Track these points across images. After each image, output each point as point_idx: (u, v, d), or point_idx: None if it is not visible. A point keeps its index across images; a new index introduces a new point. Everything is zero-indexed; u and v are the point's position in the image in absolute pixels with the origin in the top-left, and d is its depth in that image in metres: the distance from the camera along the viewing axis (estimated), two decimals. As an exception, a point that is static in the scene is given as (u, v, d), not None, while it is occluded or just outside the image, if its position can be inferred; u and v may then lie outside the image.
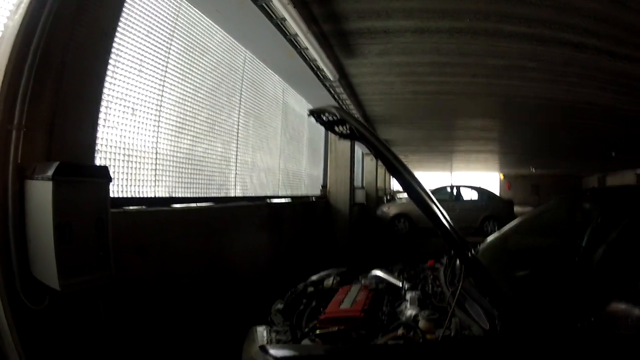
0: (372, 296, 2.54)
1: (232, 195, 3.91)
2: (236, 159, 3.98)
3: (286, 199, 5.85)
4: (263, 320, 2.47)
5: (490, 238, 3.36)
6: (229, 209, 3.59)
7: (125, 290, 2.31)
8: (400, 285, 2.86)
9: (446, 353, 1.83)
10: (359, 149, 12.76)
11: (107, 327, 1.65)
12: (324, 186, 8.06)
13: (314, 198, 7.41)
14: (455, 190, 12.83)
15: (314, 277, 3.38)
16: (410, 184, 2.03)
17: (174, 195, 2.96)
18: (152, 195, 2.76)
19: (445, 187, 13.17)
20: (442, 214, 2.13)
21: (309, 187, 7.37)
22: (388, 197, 16.69)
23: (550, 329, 1.76)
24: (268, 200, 4.95)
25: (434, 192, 11.81)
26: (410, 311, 2.31)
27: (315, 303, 2.65)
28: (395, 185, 25.19)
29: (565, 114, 7.18)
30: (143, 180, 2.69)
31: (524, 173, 24.57)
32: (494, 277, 2.01)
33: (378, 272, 3.13)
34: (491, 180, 24.83)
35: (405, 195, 17.48)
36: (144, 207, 2.54)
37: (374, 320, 2.27)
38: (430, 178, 21.98)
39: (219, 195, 3.64)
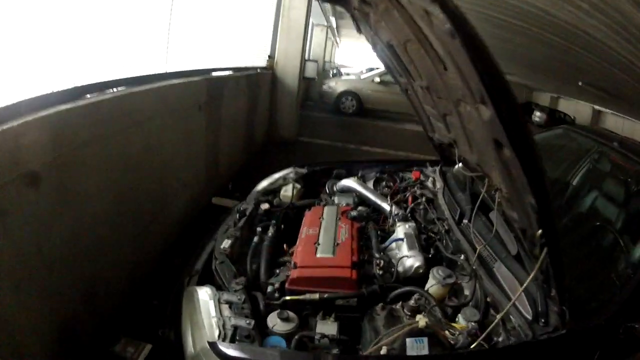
0: (357, 233, 1.92)
1: (163, 72, 2.97)
2: (169, 24, 3.00)
3: (228, 71, 4.96)
4: (206, 268, 1.82)
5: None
6: (157, 91, 2.70)
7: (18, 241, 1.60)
8: (387, 208, 2.28)
9: None
10: (311, 19, 11.41)
11: None
12: (271, 56, 7.09)
13: (258, 69, 6.49)
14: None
15: (265, 183, 2.67)
16: None
17: (78, 84, 1.99)
18: (44, 92, 1.78)
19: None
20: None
21: (255, 57, 6.32)
22: (334, 72, 15.78)
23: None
24: (207, 75, 4.08)
25: (383, 74, 11.28)
26: (410, 261, 1.77)
27: (274, 233, 1.98)
28: (339, 60, 23.91)
29: (555, 32, 6.38)
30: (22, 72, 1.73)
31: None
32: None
33: (352, 184, 2.53)
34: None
35: (355, 71, 16.64)
36: (30, 115, 1.62)
37: (365, 276, 1.68)
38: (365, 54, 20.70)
39: (143, 74, 2.66)
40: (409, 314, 1.50)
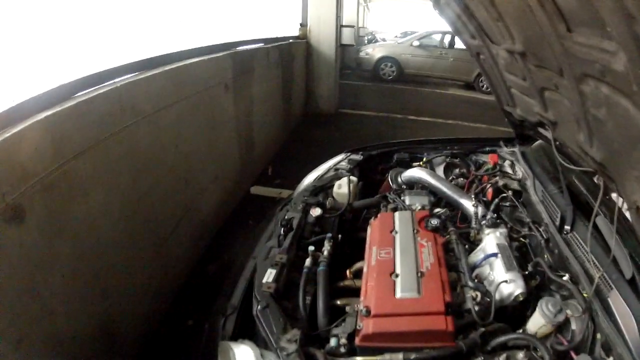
0: (444, 253, 1.43)
1: (174, 51, 2.48)
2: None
3: (257, 44, 4.46)
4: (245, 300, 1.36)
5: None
6: (167, 75, 2.24)
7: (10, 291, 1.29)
8: (470, 208, 1.74)
9: None
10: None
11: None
12: (303, 24, 6.50)
13: (291, 39, 5.93)
14: (449, 37, 10.69)
15: (312, 178, 2.18)
16: None
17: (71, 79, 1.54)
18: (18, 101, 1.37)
19: (432, 33, 10.99)
20: None
21: (286, 26, 5.87)
22: (369, 38, 14.84)
23: None
24: (232, 49, 3.59)
25: (420, 37, 10.41)
26: (510, 288, 1.28)
27: (330, 251, 1.49)
28: (371, 25, 22.57)
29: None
30: None
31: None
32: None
33: (422, 175, 1.99)
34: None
35: (393, 36, 15.53)
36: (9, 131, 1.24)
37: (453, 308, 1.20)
38: (415, 14, 19.25)
39: (146, 58, 2.15)
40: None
